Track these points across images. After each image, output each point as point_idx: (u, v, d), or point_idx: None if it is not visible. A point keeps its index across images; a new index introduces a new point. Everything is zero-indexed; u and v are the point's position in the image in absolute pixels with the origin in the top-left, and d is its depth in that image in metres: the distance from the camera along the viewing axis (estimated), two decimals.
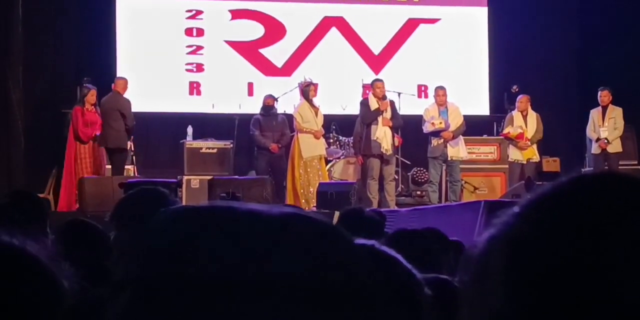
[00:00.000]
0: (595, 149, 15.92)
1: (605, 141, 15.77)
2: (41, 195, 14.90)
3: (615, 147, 15.86)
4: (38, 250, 1.30)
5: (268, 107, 16.09)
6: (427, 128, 15.44)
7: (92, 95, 15.14)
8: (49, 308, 1.23)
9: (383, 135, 15.00)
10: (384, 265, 0.98)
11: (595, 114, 16.06)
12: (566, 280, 0.96)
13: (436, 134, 15.38)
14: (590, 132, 16.07)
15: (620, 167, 15.98)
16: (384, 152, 14.97)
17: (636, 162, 17.07)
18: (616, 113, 15.92)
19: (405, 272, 0.90)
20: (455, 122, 15.45)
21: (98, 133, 15.05)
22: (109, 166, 15.22)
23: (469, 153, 15.91)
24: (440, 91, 15.65)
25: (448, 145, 15.38)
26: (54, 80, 17.76)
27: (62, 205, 14.83)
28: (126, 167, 15.59)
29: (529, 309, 0.98)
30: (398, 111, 15.44)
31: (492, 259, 1.01)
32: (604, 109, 15.98)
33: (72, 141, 15.15)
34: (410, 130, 15.97)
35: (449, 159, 15.41)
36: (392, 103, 15.43)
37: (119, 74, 17.23)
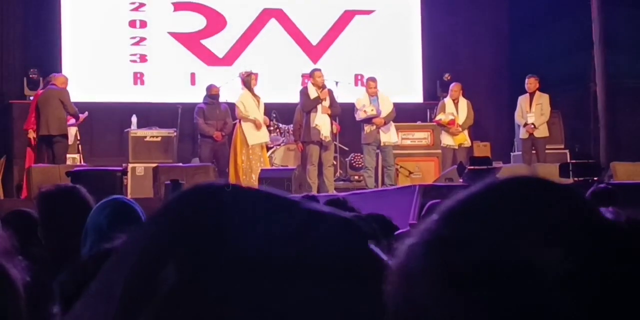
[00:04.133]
0: (523, 133, 16.06)
1: (533, 126, 15.93)
2: None
3: (542, 131, 16.01)
4: None
5: (214, 96, 16.04)
6: (359, 116, 15.49)
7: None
8: (4, 306, 1.21)
9: (322, 123, 15.03)
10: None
11: (523, 100, 16.20)
12: (490, 280, 0.96)
13: (368, 121, 15.43)
14: (518, 117, 16.21)
15: (547, 151, 16.17)
16: (323, 139, 14.99)
17: (562, 146, 17.25)
18: (543, 99, 16.08)
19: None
20: (386, 109, 15.49)
21: None
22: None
23: (403, 139, 15.99)
24: (372, 83, 15.66)
25: (380, 131, 15.42)
26: (1, 72, 17.58)
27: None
28: (72, 155, 15.48)
29: (455, 309, 0.99)
30: (336, 99, 15.47)
31: (415, 264, 1.02)
32: (532, 95, 16.13)
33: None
34: (347, 117, 16.02)
35: (382, 144, 15.45)
36: (330, 92, 15.44)
37: (65, 65, 17.14)
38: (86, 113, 15.67)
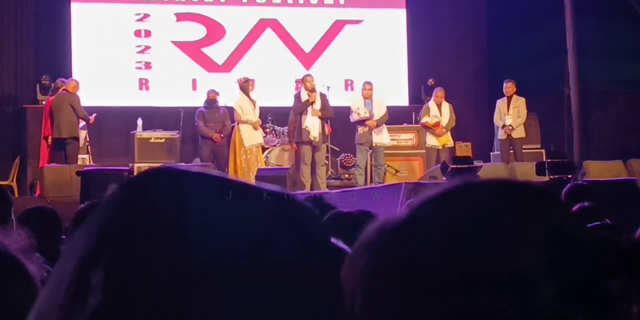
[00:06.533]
0: (501, 134, 16.09)
1: (510, 127, 15.95)
2: (5, 183, 14.82)
3: (519, 133, 16.03)
4: (9, 243, 1.25)
5: (212, 100, 16.06)
6: (353, 118, 15.52)
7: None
8: (22, 301, 1.18)
9: (312, 125, 15.03)
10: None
11: (501, 103, 16.22)
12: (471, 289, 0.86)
13: (362, 122, 15.45)
14: (496, 119, 16.23)
15: (523, 151, 16.19)
16: (312, 139, 15.00)
17: (539, 146, 17.28)
18: (520, 102, 16.09)
19: None
20: (379, 112, 15.52)
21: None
22: None
23: (391, 140, 15.99)
24: (367, 86, 15.69)
25: (373, 133, 15.45)
26: (16, 78, 17.59)
27: None
28: (82, 156, 15.48)
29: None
30: (329, 103, 15.47)
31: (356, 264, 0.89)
32: (509, 99, 16.13)
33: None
34: (338, 119, 16.04)
35: (373, 145, 15.48)
36: (323, 96, 15.46)
37: (74, 71, 17.14)
38: (94, 115, 15.70)
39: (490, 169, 14.17)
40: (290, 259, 0.81)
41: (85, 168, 13.48)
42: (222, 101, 16.27)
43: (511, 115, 15.96)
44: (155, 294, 0.78)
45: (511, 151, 16.02)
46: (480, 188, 0.92)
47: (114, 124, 17.37)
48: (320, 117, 15.15)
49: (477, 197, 0.90)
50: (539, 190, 0.93)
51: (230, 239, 0.80)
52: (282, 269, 0.81)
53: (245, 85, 15.67)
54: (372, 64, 18.50)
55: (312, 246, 0.83)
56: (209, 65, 18.27)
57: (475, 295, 0.85)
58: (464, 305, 0.85)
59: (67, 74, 16.62)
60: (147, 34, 18.16)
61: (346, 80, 18.54)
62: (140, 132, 16.13)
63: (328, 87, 16.19)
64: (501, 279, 0.85)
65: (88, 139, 16.02)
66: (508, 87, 16.15)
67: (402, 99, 18.80)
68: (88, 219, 0.84)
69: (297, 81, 17.20)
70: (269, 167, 15.64)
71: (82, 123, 15.30)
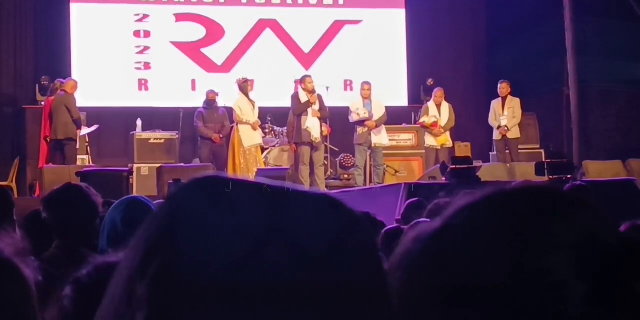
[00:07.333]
0: (496, 135, 16.08)
1: (505, 128, 15.93)
2: (4, 183, 14.82)
3: (514, 133, 16.01)
4: (3, 246, 1.25)
5: (211, 101, 16.07)
6: (352, 118, 15.53)
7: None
8: (16, 304, 1.18)
9: (313, 125, 15.04)
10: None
11: (495, 104, 16.22)
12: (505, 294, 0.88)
13: (361, 123, 15.46)
14: (491, 120, 16.22)
15: (523, 151, 16.19)
16: (313, 140, 15.01)
17: (538, 146, 17.28)
18: (514, 103, 16.08)
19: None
20: (378, 112, 15.53)
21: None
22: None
23: (390, 140, 15.99)
24: (366, 86, 15.72)
25: (372, 133, 15.46)
26: (15, 79, 17.60)
27: None
28: (82, 157, 15.48)
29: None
30: (325, 104, 15.48)
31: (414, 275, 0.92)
32: (504, 99, 16.12)
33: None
34: (337, 120, 16.05)
35: (372, 145, 15.48)
36: (320, 97, 15.46)
37: (74, 72, 17.15)
38: (96, 127, 15.71)
39: (489, 170, 14.15)
40: (276, 275, 0.79)
41: (85, 169, 13.48)
42: (221, 102, 16.27)
43: (506, 115, 15.95)
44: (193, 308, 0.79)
45: (507, 151, 16.01)
46: (510, 196, 0.96)
47: (113, 124, 17.37)
48: (319, 118, 15.17)
49: (507, 205, 0.94)
50: (568, 194, 0.97)
51: (224, 250, 0.80)
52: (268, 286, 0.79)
53: (244, 86, 15.68)
54: (372, 64, 18.49)
55: (304, 260, 0.80)
56: (208, 65, 18.27)
57: (508, 299, 0.88)
58: (499, 309, 0.88)
59: (67, 74, 16.61)
60: (147, 34, 18.16)
61: (345, 81, 18.54)
62: (139, 133, 16.13)
63: (327, 88, 16.20)
64: (533, 282, 0.88)
65: (88, 140, 16.02)
66: (502, 87, 16.13)
67: (401, 100, 18.79)
68: (137, 233, 0.84)
69: (296, 82, 17.20)
70: (268, 167, 15.64)
71: (84, 129, 15.39)
